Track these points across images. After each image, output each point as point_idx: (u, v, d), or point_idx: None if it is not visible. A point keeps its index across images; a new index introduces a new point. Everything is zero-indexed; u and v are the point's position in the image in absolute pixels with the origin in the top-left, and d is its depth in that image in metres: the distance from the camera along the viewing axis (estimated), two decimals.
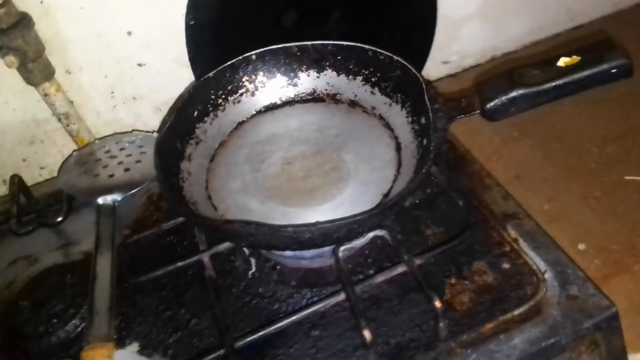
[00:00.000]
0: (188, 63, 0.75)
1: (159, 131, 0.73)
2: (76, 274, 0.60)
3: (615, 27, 1.00)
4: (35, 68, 0.66)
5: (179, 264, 0.56)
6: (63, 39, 0.69)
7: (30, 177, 0.81)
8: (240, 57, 0.66)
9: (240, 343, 0.49)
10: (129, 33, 0.72)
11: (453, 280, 0.55)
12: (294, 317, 0.51)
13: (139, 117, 0.81)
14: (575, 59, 0.48)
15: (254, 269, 0.59)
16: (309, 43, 0.66)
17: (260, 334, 0.50)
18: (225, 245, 0.57)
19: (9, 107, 0.73)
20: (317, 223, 0.46)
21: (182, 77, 0.77)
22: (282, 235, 0.47)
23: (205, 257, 0.56)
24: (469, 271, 0.56)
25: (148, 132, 0.72)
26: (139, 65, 0.75)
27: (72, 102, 0.73)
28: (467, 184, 0.64)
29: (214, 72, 0.65)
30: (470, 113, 0.52)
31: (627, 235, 0.75)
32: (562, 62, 0.49)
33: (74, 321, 0.56)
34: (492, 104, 0.51)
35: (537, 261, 0.55)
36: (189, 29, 0.71)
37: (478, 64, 1.01)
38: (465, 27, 0.93)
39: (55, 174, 0.81)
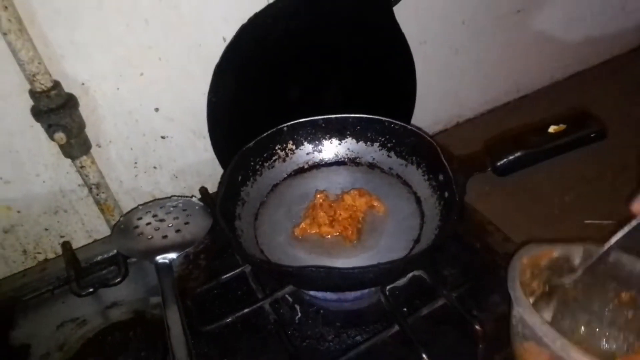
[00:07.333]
0: (205, 134, 0.83)
1: (204, 198, 0.81)
2: (138, 331, 0.65)
3: (554, 95, 1.19)
4: (77, 143, 0.72)
5: (245, 310, 0.62)
6: (98, 116, 0.76)
7: (50, 247, 0.84)
8: (274, 129, 0.76)
9: None
10: (157, 109, 0.80)
11: (475, 312, 0.65)
12: (351, 353, 0.58)
13: (157, 185, 0.87)
14: (562, 127, 0.62)
15: (299, 315, 0.67)
16: (333, 116, 0.77)
17: None
18: (283, 291, 0.64)
19: (40, 180, 0.78)
20: (378, 264, 0.55)
21: (198, 147, 0.86)
22: (350, 277, 0.55)
23: (266, 304, 0.63)
24: (487, 303, 0.66)
25: (186, 197, 0.79)
26: (162, 137, 0.83)
27: (101, 172, 0.78)
28: (474, 230, 0.75)
29: (253, 142, 0.74)
30: (484, 170, 0.64)
31: None
32: (552, 129, 0.62)
33: None
34: (501, 162, 0.64)
35: None
36: (210, 105, 0.80)
37: (446, 128, 1.17)
38: (435, 100, 1.08)
39: (74, 242, 0.85)
